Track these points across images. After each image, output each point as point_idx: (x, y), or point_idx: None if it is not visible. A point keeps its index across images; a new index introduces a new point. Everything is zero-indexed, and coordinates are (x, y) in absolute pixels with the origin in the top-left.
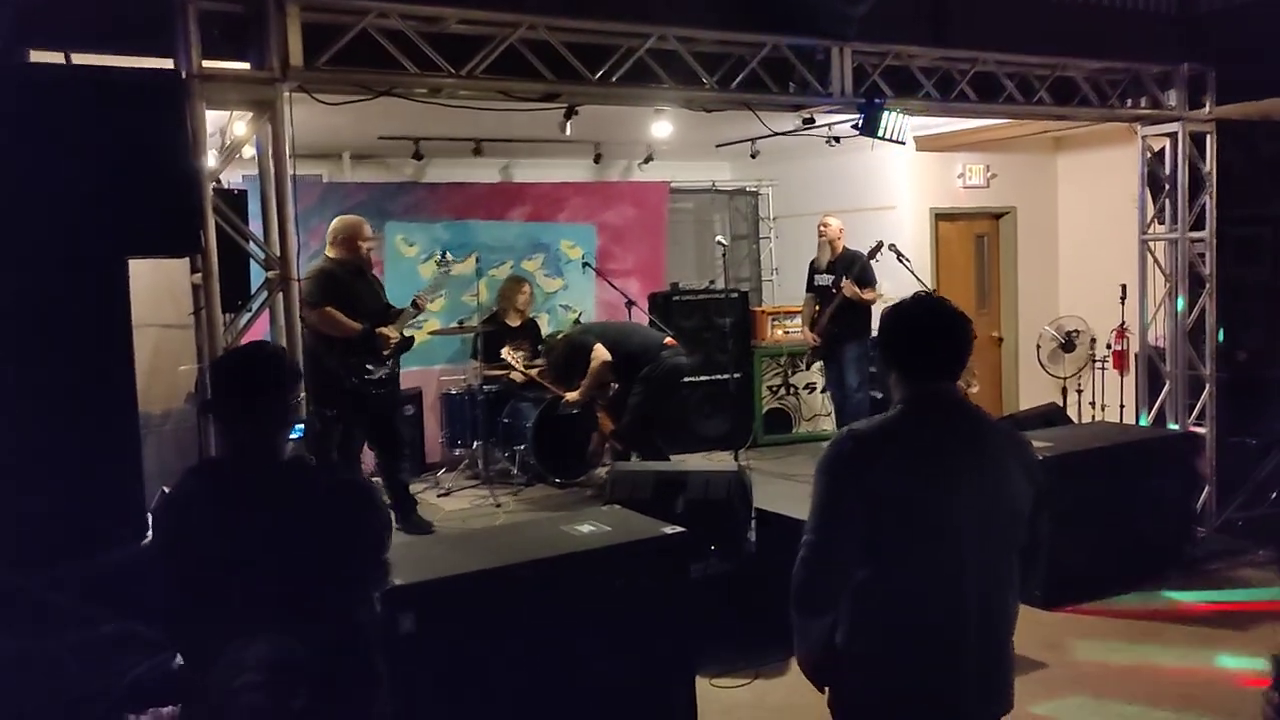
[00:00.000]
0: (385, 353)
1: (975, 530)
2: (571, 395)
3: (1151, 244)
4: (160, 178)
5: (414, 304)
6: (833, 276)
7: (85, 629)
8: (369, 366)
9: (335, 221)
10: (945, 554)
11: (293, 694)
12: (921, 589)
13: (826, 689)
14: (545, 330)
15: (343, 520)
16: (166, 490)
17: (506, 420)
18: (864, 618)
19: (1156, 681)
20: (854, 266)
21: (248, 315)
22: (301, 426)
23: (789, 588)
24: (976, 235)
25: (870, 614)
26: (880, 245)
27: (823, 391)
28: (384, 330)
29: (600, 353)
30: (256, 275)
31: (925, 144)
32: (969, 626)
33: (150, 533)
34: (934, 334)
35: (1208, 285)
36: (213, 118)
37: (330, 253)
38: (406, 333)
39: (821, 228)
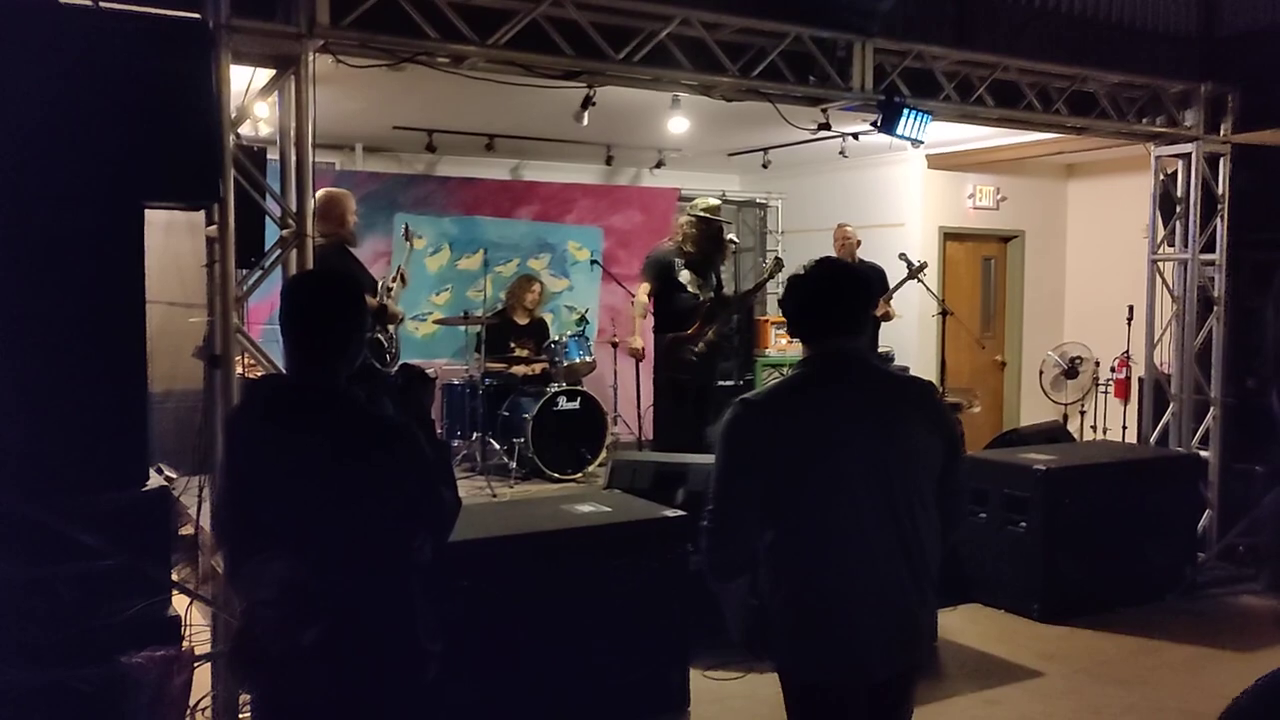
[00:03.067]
0: None
1: (876, 485)
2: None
3: (1161, 265)
4: (182, 126)
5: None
6: None
7: (85, 562)
8: None
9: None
10: (844, 510)
11: (303, 623)
12: (822, 547)
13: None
14: (552, 330)
15: (383, 462)
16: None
17: (506, 413)
18: (779, 579)
19: (1154, 696)
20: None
21: (259, 273)
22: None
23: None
24: (984, 257)
25: (783, 574)
26: (924, 266)
27: None
28: None
29: None
30: (271, 235)
31: (936, 162)
32: (873, 580)
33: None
34: (820, 292)
35: (1216, 308)
36: (235, 90)
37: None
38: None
39: (842, 238)
